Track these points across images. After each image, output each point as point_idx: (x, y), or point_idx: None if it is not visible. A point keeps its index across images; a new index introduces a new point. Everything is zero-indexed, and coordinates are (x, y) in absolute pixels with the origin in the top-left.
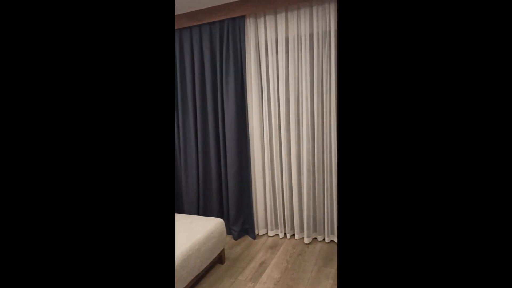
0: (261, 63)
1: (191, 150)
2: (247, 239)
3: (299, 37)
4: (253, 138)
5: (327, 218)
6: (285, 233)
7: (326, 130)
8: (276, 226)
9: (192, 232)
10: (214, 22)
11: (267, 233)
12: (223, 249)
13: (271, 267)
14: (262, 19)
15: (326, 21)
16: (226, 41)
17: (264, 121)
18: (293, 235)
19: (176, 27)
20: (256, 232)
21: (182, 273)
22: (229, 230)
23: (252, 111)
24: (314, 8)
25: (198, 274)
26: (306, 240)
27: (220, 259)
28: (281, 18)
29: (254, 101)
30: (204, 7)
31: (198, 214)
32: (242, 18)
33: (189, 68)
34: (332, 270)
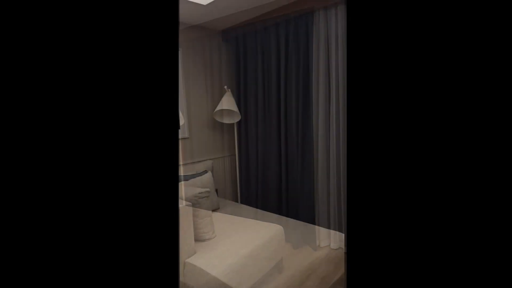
0: (330, 59)
1: (251, 151)
2: (307, 249)
3: None
4: (318, 141)
5: None
6: None
7: None
8: (341, 239)
9: (251, 238)
10: (280, 17)
11: (329, 245)
12: (282, 258)
13: (334, 284)
14: (333, 10)
15: None
16: (293, 37)
17: (331, 123)
18: None
19: (240, 25)
20: (317, 243)
21: (239, 280)
22: (288, 238)
23: (318, 111)
24: None
25: (256, 282)
26: None
27: (278, 268)
28: None
29: (321, 101)
30: (270, 1)
31: (255, 218)
32: (311, 11)
33: (252, 66)
34: None
